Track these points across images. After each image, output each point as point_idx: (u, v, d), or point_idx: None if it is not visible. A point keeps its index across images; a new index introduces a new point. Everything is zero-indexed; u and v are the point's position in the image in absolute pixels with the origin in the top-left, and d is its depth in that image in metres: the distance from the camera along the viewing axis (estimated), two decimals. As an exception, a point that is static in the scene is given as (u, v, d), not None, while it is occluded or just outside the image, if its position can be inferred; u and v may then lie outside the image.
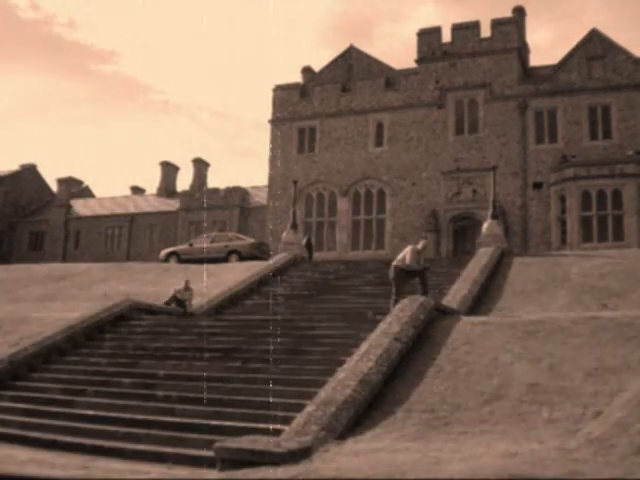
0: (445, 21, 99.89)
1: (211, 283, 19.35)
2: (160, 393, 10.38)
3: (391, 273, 13.91)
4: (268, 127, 38.07)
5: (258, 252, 26.23)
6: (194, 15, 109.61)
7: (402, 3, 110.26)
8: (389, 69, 38.70)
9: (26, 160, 53.29)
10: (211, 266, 22.46)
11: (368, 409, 8.58)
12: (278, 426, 8.37)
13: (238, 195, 43.59)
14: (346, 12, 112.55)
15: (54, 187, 52.82)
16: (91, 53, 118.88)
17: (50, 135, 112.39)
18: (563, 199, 30.53)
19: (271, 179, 37.43)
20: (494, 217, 22.66)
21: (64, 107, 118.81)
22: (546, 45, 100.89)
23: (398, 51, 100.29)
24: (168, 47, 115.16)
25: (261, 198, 42.08)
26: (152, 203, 48.83)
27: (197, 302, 16.93)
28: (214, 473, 7.05)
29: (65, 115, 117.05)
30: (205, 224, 42.60)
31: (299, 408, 8.63)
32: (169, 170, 51.22)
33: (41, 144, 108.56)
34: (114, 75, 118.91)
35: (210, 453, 7.37)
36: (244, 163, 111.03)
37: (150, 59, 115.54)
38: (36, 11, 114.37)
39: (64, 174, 52.68)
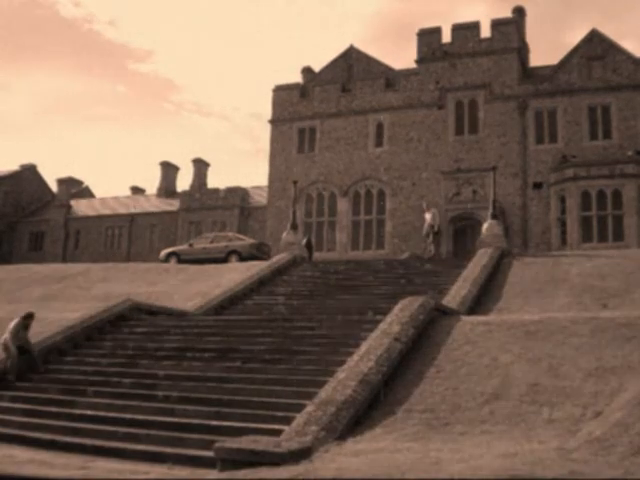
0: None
1: (211, 283, 19.36)
2: (160, 393, 10.37)
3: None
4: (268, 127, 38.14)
5: (258, 252, 26.22)
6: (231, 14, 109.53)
7: (453, 3, 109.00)
8: (389, 69, 38.73)
9: (27, 160, 53.38)
10: (211, 266, 22.46)
11: (368, 409, 8.58)
12: (278, 426, 8.37)
13: (238, 195, 43.58)
14: (395, 10, 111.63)
15: (54, 187, 52.85)
16: (128, 52, 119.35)
17: (70, 136, 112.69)
18: (563, 199, 30.53)
19: (271, 179, 37.44)
20: (494, 217, 22.67)
21: (95, 106, 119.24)
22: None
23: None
24: (202, 47, 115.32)
25: (261, 198, 42.09)
26: (152, 203, 48.83)
27: (197, 302, 16.92)
28: (214, 473, 7.05)
29: (93, 114, 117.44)
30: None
31: (299, 408, 8.63)
32: (169, 170, 51.22)
33: (53, 144, 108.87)
34: (150, 74, 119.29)
35: (210, 453, 7.37)
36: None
37: (184, 59, 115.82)
38: (78, 8, 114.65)
39: (64, 174, 52.80)
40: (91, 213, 49.12)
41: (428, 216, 25.83)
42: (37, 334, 13.14)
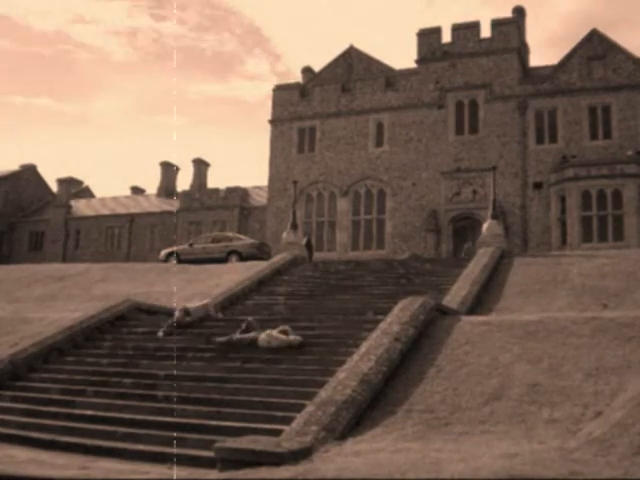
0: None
1: (211, 283, 19.35)
2: (160, 393, 10.36)
3: None
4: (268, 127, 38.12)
5: (258, 252, 26.20)
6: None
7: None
8: (389, 69, 38.74)
9: (29, 160, 53.37)
10: (211, 266, 22.45)
11: (368, 409, 8.57)
12: (278, 426, 8.37)
13: (238, 195, 43.61)
14: (581, 13, 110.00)
15: (54, 187, 52.84)
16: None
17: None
18: (563, 199, 30.53)
19: (271, 179, 37.44)
20: (494, 217, 22.67)
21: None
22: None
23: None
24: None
25: (261, 198, 42.11)
26: (152, 203, 48.84)
27: (197, 302, 16.91)
28: (214, 473, 7.04)
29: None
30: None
31: (299, 408, 8.63)
32: (169, 170, 51.24)
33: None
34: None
35: (210, 453, 7.36)
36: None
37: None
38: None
39: (64, 174, 52.83)
40: (91, 213, 49.13)
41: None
42: (37, 334, 13.14)
